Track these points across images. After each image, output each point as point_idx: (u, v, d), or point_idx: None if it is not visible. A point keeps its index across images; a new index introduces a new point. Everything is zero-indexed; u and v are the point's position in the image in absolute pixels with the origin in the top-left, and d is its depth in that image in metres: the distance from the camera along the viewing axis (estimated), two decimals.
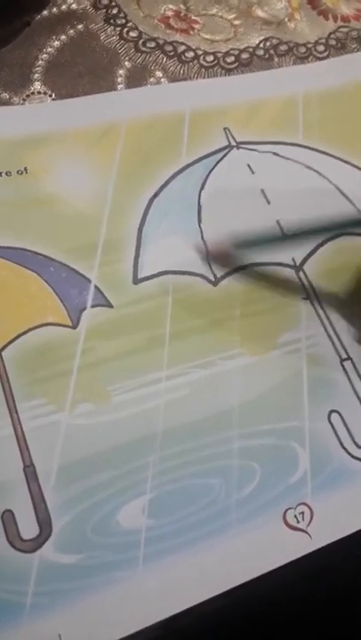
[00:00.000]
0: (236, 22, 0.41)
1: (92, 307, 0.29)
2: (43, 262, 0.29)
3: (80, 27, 0.38)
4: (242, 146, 0.35)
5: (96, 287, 0.29)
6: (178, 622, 0.23)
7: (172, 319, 0.29)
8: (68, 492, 0.24)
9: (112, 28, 0.38)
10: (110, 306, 0.29)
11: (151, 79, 0.37)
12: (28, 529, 0.24)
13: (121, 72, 0.37)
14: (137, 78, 0.37)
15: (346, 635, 0.26)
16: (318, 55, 0.40)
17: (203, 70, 0.38)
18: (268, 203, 0.33)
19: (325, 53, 0.41)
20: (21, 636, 0.22)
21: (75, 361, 0.27)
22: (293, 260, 0.31)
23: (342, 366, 0.29)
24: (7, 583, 0.23)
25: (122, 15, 0.39)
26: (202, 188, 0.32)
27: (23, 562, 0.23)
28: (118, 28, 0.38)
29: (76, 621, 0.23)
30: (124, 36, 0.38)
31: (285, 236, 0.31)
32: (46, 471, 0.25)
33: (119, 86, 0.36)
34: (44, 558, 0.23)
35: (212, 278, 0.30)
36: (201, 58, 0.38)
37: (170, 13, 0.40)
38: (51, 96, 0.35)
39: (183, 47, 0.39)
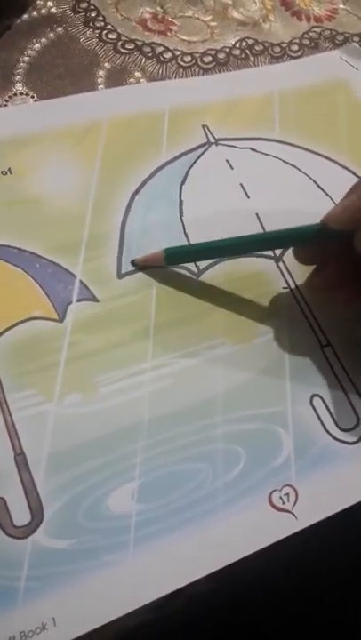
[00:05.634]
0: (213, 24, 0.42)
1: (78, 301, 0.29)
2: (29, 259, 0.30)
3: (60, 30, 0.39)
4: (221, 142, 0.35)
5: (81, 282, 0.30)
6: (168, 603, 0.24)
7: (156, 311, 0.30)
8: (59, 479, 0.25)
9: (91, 30, 0.39)
10: (95, 300, 0.29)
11: (131, 80, 0.38)
12: (21, 516, 0.24)
13: (101, 73, 0.37)
14: (117, 79, 0.37)
15: (331, 615, 0.27)
16: (293, 54, 0.42)
17: (181, 70, 0.39)
18: (248, 197, 0.34)
19: (300, 52, 0.42)
20: (16, 620, 0.22)
21: (62, 353, 0.28)
22: (273, 251, 0.32)
23: (323, 352, 0.30)
24: (1, 569, 0.23)
25: (100, 18, 0.40)
26: (182, 183, 0.33)
27: (16, 548, 0.24)
28: (97, 31, 0.39)
29: (70, 604, 0.23)
30: (104, 38, 0.39)
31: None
32: (37, 459, 0.25)
33: (99, 87, 0.37)
34: (36, 544, 0.24)
35: (194, 270, 0.31)
36: (179, 58, 0.39)
37: (147, 16, 0.41)
38: (33, 97, 0.35)
39: (161, 48, 0.39)
